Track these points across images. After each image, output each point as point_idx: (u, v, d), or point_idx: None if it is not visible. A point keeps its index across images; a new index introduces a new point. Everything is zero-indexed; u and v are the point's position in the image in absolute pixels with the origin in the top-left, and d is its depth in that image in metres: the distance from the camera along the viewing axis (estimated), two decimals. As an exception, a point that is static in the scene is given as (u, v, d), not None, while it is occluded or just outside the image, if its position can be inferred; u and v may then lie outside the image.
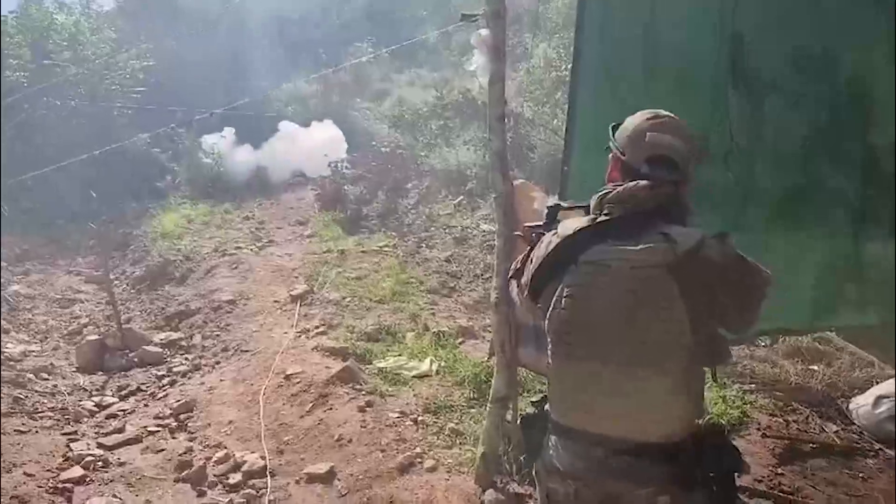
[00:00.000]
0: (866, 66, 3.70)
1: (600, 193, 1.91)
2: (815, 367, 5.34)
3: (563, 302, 1.85)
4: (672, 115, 1.96)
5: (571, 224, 1.92)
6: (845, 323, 4.77)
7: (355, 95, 15.41)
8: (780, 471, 4.00)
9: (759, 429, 4.43)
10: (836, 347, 5.60)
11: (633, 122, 1.96)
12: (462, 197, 10.06)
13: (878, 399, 4.69)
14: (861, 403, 4.78)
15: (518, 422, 2.20)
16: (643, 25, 3.57)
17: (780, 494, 3.74)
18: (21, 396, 5.14)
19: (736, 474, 1.94)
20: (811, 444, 4.32)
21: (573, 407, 1.90)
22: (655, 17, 3.57)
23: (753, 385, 5.08)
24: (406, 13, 17.69)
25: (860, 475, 4.10)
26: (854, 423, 4.70)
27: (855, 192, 3.85)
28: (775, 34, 3.65)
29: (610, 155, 2.03)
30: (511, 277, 2.18)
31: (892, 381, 4.81)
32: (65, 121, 11.85)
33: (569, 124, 3.67)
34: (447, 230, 9.39)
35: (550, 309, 1.87)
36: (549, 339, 1.91)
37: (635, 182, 1.85)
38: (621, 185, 1.87)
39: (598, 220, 1.88)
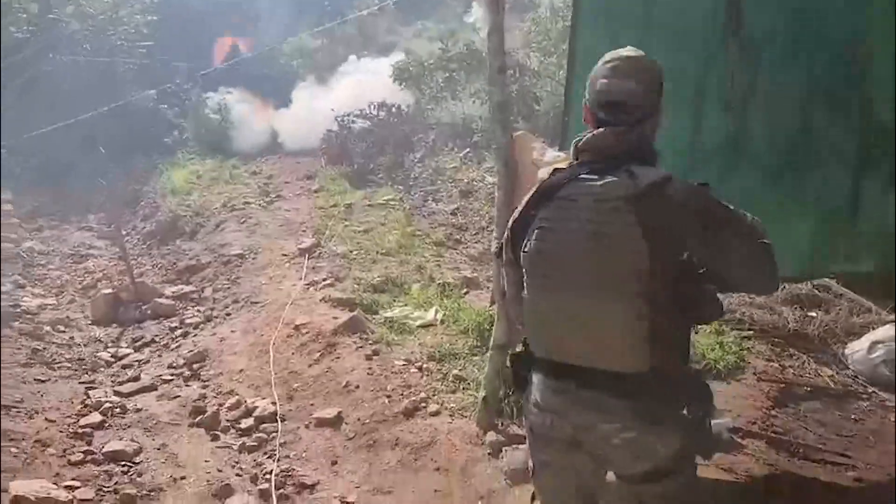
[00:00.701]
0: (866, 16, 3.69)
1: (574, 140, 1.99)
2: (814, 314, 5.43)
3: (534, 234, 1.94)
4: (634, 54, 1.95)
5: (549, 170, 2.01)
6: (841, 270, 4.86)
7: (361, 48, 15.27)
8: (773, 413, 4.11)
9: (755, 373, 4.53)
10: (835, 294, 5.68)
11: (595, 65, 1.98)
12: (468, 150, 10.06)
13: (873, 344, 4.78)
14: (856, 349, 4.88)
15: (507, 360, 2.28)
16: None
17: (773, 435, 3.85)
18: (39, 348, 5.32)
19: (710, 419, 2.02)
20: (806, 388, 4.44)
21: (545, 338, 2.00)
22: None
23: (752, 332, 5.17)
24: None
25: (852, 417, 4.22)
26: (849, 368, 4.81)
27: (854, 140, 3.87)
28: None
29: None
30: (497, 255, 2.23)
31: (888, 326, 4.90)
32: (72, 77, 11.84)
33: (569, 74, 3.69)
34: (453, 183, 9.42)
35: (525, 241, 1.97)
36: (524, 273, 2.00)
37: (601, 129, 1.92)
38: (590, 133, 1.94)
39: (572, 164, 1.97)
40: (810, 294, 5.70)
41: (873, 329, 5.04)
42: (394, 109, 11.13)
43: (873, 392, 4.54)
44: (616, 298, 1.83)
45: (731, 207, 1.87)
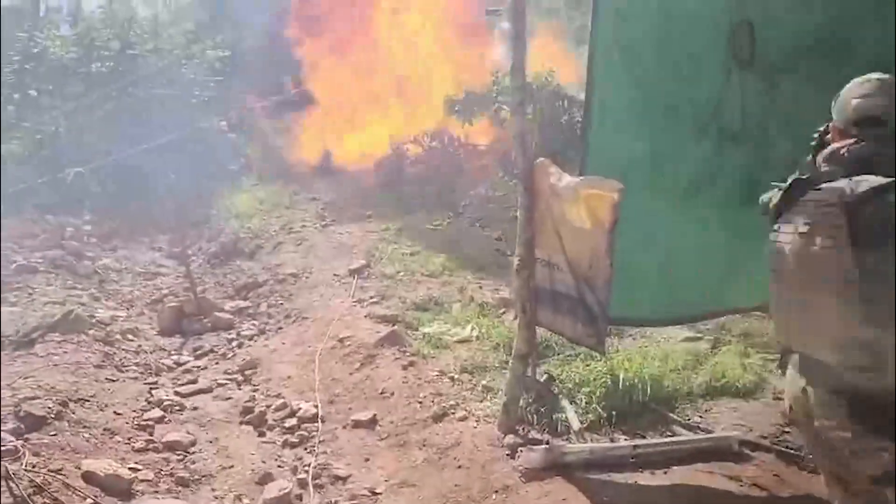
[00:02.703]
0: (878, 46, 3.87)
1: (823, 154, 2.26)
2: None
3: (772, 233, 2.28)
4: (884, 76, 2.19)
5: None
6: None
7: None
8: (787, 430, 4.25)
9: (773, 393, 4.67)
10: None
11: (844, 89, 2.26)
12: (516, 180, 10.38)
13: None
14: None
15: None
16: (656, 6, 3.84)
17: (783, 450, 4.00)
18: (110, 353, 5.83)
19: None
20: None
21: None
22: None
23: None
24: None
25: (870, 438, 4.32)
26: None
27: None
28: (784, 14, 3.88)
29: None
30: None
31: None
32: (147, 108, 12.70)
33: (587, 101, 3.99)
34: (502, 209, 9.76)
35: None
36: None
37: (841, 142, 2.19)
38: (834, 146, 2.21)
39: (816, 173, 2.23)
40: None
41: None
42: (446, 139, 11.58)
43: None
44: (822, 293, 2.07)
45: None
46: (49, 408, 4.24)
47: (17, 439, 3.77)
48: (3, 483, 3.26)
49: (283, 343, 6.05)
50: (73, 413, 4.37)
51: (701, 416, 4.40)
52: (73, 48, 13.22)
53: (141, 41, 13.49)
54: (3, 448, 3.56)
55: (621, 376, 4.43)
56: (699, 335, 5.48)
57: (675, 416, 4.32)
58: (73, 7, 18.39)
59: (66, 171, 8.95)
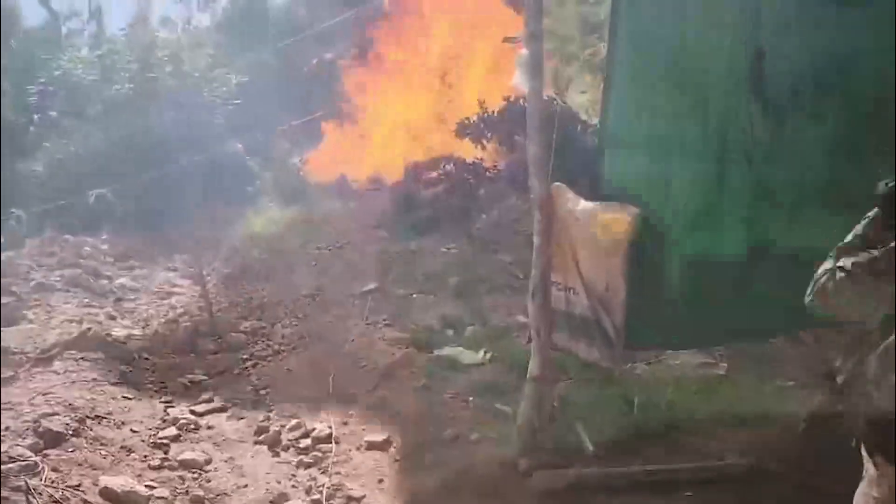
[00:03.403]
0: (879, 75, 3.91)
1: None
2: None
3: None
4: None
5: None
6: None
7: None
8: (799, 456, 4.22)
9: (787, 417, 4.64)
10: None
11: None
12: (530, 204, 10.42)
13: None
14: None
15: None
16: (670, 35, 3.91)
17: (796, 477, 3.97)
18: (127, 371, 5.88)
19: None
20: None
21: None
22: (681, 28, 3.91)
23: (793, 381, 5.24)
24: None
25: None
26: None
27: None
28: (795, 45, 3.93)
29: None
30: None
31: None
32: (166, 130, 12.88)
33: (601, 125, 4.06)
34: (515, 234, 9.79)
35: None
36: None
37: None
38: None
39: None
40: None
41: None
42: (461, 162, 11.67)
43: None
44: None
45: None
46: (67, 424, 4.29)
47: (37, 455, 3.82)
48: (24, 497, 3.31)
49: (298, 363, 6.08)
50: (91, 430, 4.42)
51: (714, 442, 4.39)
52: (93, 71, 13.49)
53: (161, 64, 13.71)
54: (23, 463, 3.61)
55: (635, 400, 4.44)
56: (713, 361, 5.47)
57: (688, 441, 4.31)
58: (94, 30, 18.83)
59: (89, 192, 9.09)
